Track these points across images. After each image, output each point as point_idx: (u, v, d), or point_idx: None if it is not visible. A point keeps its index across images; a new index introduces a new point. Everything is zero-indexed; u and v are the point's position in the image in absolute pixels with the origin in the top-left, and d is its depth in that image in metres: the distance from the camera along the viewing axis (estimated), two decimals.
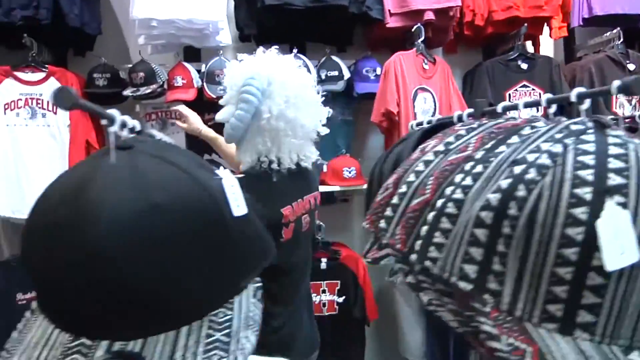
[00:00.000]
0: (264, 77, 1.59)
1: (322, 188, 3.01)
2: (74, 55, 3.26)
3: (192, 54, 3.25)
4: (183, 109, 2.42)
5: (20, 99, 2.96)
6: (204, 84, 3.01)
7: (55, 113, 2.98)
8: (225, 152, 2.25)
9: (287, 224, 1.64)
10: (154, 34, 2.93)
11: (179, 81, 3.00)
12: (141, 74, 2.94)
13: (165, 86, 3.01)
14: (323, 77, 3.08)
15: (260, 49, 1.74)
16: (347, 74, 3.10)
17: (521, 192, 0.91)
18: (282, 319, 1.72)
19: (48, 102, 2.97)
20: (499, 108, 1.47)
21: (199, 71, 3.08)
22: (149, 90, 2.93)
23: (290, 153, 1.64)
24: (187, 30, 2.96)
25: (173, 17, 2.87)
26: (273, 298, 1.61)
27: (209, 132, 2.31)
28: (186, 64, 3.05)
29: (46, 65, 3.00)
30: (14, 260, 3.01)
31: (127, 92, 2.96)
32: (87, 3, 3.03)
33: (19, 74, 2.97)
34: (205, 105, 3.17)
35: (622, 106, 3.12)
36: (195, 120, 2.36)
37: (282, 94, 1.58)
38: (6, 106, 2.95)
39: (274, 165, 1.62)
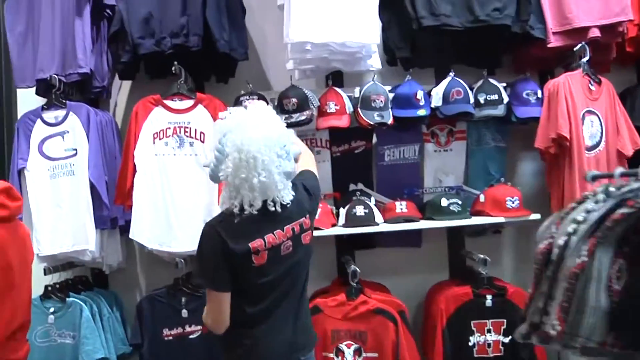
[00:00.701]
0: (224, 140, 1.91)
1: (481, 219, 2.81)
2: (216, 82, 3.16)
3: (335, 79, 3.11)
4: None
5: (169, 128, 2.87)
6: (359, 109, 2.86)
7: (203, 142, 2.86)
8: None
9: (257, 252, 1.93)
10: (306, 57, 2.81)
11: (332, 107, 2.85)
12: (294, 100, 2.81)
13: (315, 112, 2.86)
14: (482, 101, 2.90)
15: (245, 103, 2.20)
16: (506, 98, 2.91)
17: None
18: (255, 339, 2.00)
19: (196, 130, 2.87)
20: None
21: (349, 97, 2.92)
22: (303, 117, 2.80)
23: (253, 200, 1.89)
24: (339, 54, 2.83)
25: (328, 40, 2.75)
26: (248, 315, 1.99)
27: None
28: (338, 89, 2.91)
29: (195, 93, 2.89)
30: (160, 294, 2.88)
31: (280, 118, 2.81)
32: (235, 29, 2.95)
33: (168, 103, 2.89)
34: (358, 132, 3.03)
35: None
36: None
37: (236, 157, 1.85)
38: (155, 135, 2.86)
39: (236, 211, 1.91)
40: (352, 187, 3.10)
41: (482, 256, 2.79)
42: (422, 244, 3.20)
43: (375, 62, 2.95)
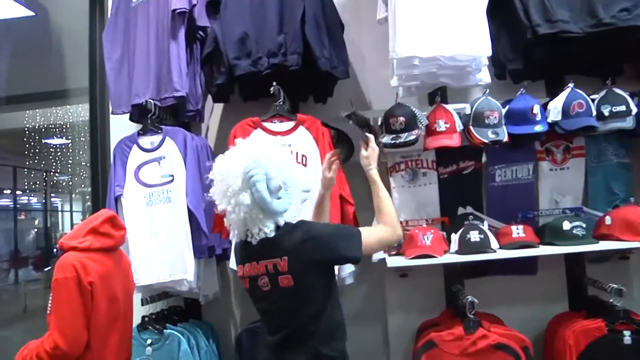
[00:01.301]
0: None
1: (611, 244, 2.53)
2: (314, 102, 3.01)
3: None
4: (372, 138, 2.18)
5: None
6: (471, 127, 2.64)
7: (305, 165, 2.70)
8: (379, 200, 2.09)
9: (242, 277, 2.03)
10: (413, 73, 2.62)
11: (442, 125, 2.65)
12: (401, 119, 2.62)
13: (424, 132, 2.66)
14: (606, 113, 2.63)
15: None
16: (634, 109, 2.63)
17: None
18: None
19: (297, 153, 2.71)
20: None
21: (458, 114, 2.71)
22: (412, 137, 2.60)
23: (239, 231, 1.97)
24: (448, 68, 2.63)
25: (436, 54, 2.55)
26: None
27: (376, 174, 2.13)
28: (446, 106, 2.70)
29: (295, 114, 2.74)
30: (260, 327, 2.70)
31: (384, 139, 2.63)
32: (334, 46, 2.80)
33: (268, 125, 2.75)
34: (466, 152, 2.80)
35: None
36: (373, 154, 2.15)
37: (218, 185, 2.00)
38: None
39: (231, 236, 2.04)
40: (460, 210, 2.87)
41: (615, 285, 2.50)
42: (537, 271, 2.91)
43: (484, 76, 2.73)
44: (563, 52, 2.68)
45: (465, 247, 2.59)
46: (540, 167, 2.89)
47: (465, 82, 2.72)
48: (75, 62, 3.73)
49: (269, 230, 1.89)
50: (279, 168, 1.91)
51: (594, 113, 2.64)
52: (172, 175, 2.76)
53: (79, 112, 5.03)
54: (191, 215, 2.70)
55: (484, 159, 2.93)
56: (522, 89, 2.72)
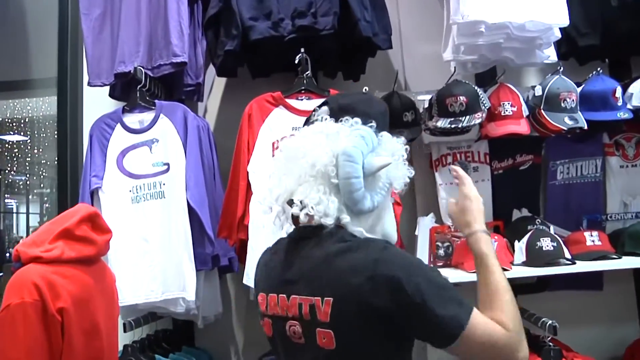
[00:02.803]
0: None
1: None
2: (344, 80, 2.34)
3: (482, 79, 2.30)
4: (461, 170, 1.34)
5: (294, 135, 2.02)
6: (543, 111, 2.04)
7: None
8: (492, 290, 1.15)
9: (262, 315, 1.22)
10: (476, 43, 2.00)
11: (508, 109, 2.05)
12: (462, 99, 1.99)
13: (485, 115, 2.04)
14: None
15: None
16: None
17: None
18: None
19: None
20: None
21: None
22: (477, 121, 1.98)
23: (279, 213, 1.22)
24: (515, 40, 2.03)
25: (507, 19, 1.95)
26: None
27: (486, 245, 1.23)
28: (512, 87, 2.10)
29: (328, 90, 2.07)
30: None
31: (440, 122, 2.00)
32: (376, 9, 2.14)
33: (292, 102, 2.06)
34: (524, 143, 2.20)
35: None
36: (472, 207, 1.27)
37: None
38: (275, 145, 2.04)
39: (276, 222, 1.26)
40: (515, 213, 2.26)
41: None
42: (603, 286, 2.33)
43: (552, 53, 2.14)
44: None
45: (537, 257, 1.98)
46: (609, 163, 2.33)
47: (531, 59, 2.14)
48: (39, 50, 2.94)
49: (331, 211, 1.09)
50: (393, 150, 1.17)
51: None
52: (167, 164, 2.05)
53: (39, 106, 4.33)
54: (192, 214, 1.99)
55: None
56: (598, 69, 2.14)
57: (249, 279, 1.97)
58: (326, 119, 1.18)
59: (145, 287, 2.00)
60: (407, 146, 1.19)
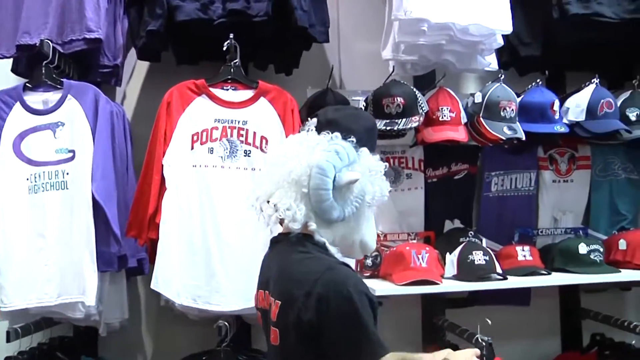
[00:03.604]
0: None
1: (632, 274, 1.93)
2: (275, 73, 2.13)
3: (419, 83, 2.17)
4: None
5: (216, 128, 1.83)
6: (482, 119, 1.92)
7: (264, 151, 1.82)
8: None
9: (255, 309, 1.31)
10: (417, 42, 1.86)
11: (446, 114, 1.92)
12: (399, 100, 1.84)
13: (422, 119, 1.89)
14: (633, 118, 2.06)
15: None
16: None
17: None
18: None
19: (255, 133, 1.83)
20: None
21: None
22: (414, 124, 1.84)
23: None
24: (457, 43, 1.90)
25: (451, 20, 1.81)
26: None
27: None
28: (452, 92, 1.97)
29: (257, 81, 1.86)
30: None
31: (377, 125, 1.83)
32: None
33: (217, 92, 1.84)
34: (461, 152, 2.09)
35: None
36: None
37: None
38: (195, 137, 1.81)
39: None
40: (447, 224, 2.13)
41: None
42: (531, 301, 2.24)
43: (493, 60, 2.04)
44: (588, 39, 2.04)
45: (468, 271, 1.85)
46: (542, 177, 2.25)
47: (472, 65, 2.02)
48: None
49: (298, 217, 1.12)
50: (369, 166, 1.19)
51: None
52: (73, 151, 1.78)
53: None
54: (97, 209, 1.72)
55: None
56: (538, 80, 2.05)
57: (157, 283, 1.74)
58: (312, 130, 1.23)
59: (38, 289, 1.71)
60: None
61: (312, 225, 1.13)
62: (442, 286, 1.78)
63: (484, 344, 1.66)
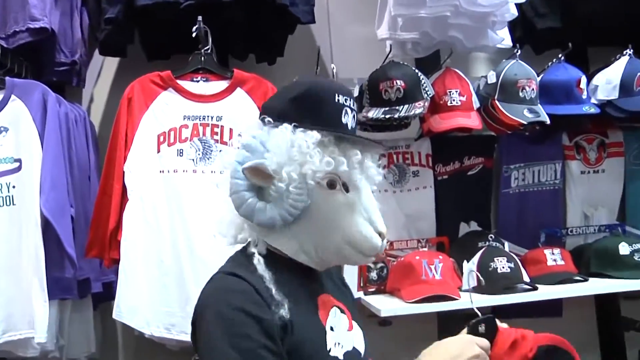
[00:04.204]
0: None
1: None
2: (257, 63, 1.84)
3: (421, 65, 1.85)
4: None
5: (186, 126, 1.52)
6: (497, 102, 1.60)
7: None
8: None
9: None
10: (418, 15, 1.54)
11: (456, 98, 1.60)
12: (399, 84, 1.53)
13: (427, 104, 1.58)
14: None
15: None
16: None
17: None
18: None
19: (231, 130, 1.52)
20: None
21: None
22: (418, 110, 1.52)
23: None
24: (464, 16, 1.58)
25: None
26: None
27: None
28: (460, 72, 1.65)
29: (230, 70, 1.56)
30: None
31: (374, 113, 1.53)
32: None
33: (185, 84, 1.54)
34: (474, 143, 1.78)
35: None
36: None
37: None
38: (162, 138, 1.50)
39: None
40: (463, 227, 1.80)
41: None
42: (563, 311, 1.90)
43: (506, 35, 1.72)
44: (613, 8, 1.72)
45: (491, 281, 1.53)
46: (569, 168, 1.91)
47: (482, 41, 1.69)
48: None
49: (226, 231, 0.90)
50: (288, 145, 0.84)
51: None
52: (19, 160, 1.49)
53: None
54: (48, 227, 1.43)
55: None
56: (560, 55, 1.73)
57: (120, 311, 1.44)
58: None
59: None
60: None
61: (241, 235, 0.88)
62: (461, 302, 1.46)
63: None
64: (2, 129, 1.49)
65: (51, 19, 1.56)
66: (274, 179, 0.82)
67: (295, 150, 0.82)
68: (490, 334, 0.92)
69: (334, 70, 1.76)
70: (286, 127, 0.84)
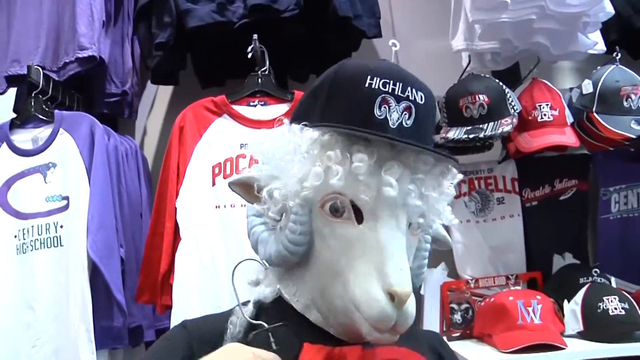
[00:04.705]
0: None
1: None
2: (292, 80, 1.67)
3: None
4: None
5: (243, 156, 1.35)
6: (595, 114, 1.35)
7: None
8: None
9: None
10: (499, 19, 1.33)
11: (547, 112, 1.37)
12: (482, 98, 1.32)
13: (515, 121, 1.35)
14: None
15: None
16: None
17: None
18: None
19: None
20: None
21: None
22: (506, 128, 1.30)
23: None
24: (551, 19, 1.35)
25: None
26: None
27: None
28: (549, 83, 1.42)
29: (292, 92, 1.39)
30: None
31: (454, 134, 1.32)
32: None
33: (242, 109, 1.37)
34: (566, 164, 1.52)
35: None
36: None
37: None
38: (217, 169, 1.34)
39: None
40: (557, 260, 1.53)
41: None
42: None
43: (598, 39, 1.47)
44: None
45: (602, 326, 1.26)
46: None
47: (572, 47, 1.45)
48: None
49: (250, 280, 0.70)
50: (280, 151, 0.62)
51: None
52: (67, 198, 1.36)
53: None
54: (96, 271, 1.28)
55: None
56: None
57: None
58: None
59: None
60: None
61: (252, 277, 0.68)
62: (570, 352, 1.19)
63: None
64: (50, 164, 1.37)
65: (101, 47, 1.45)
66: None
67: (282, 157, 0.60)
68: None
69: None
70: (284, 128, 0.63)
